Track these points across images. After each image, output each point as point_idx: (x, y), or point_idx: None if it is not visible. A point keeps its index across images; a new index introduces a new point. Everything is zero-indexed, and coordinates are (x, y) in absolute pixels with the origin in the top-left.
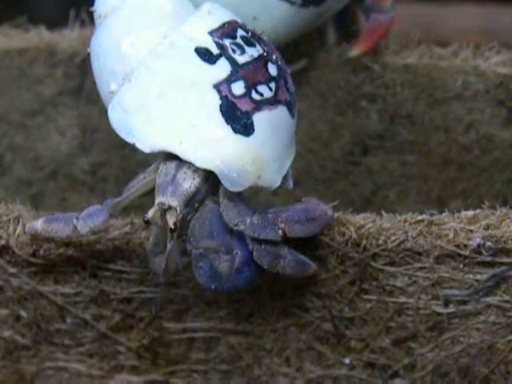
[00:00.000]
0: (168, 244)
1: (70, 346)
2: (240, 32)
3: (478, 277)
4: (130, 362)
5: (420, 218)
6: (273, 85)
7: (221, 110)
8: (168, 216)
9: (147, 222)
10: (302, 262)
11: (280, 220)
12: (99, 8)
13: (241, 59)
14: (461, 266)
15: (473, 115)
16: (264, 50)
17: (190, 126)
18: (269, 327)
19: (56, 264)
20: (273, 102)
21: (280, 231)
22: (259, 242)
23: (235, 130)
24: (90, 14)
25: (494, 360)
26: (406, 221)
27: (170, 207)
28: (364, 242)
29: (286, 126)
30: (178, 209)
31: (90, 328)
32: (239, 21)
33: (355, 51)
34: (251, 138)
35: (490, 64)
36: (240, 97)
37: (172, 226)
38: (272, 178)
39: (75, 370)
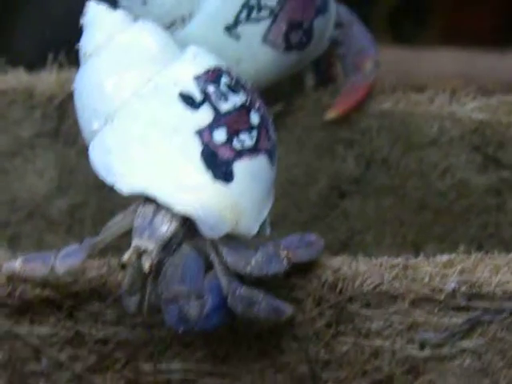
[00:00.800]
0: (147, 286)
1: None
2: (224, 79)
3: (453, 321)
4: None
5: (395, 261)
6: (254, 133)
7: (202, 157)
8: (144, 259)
9: (123, 266)
10: (276, 308)
11: (282, 248)
12: (85, 46)
13: (224, 107)
14: (436, 309)
15: (448, 160)
16: (247, 99)
17: (170, 171)
18: (245, 369)
19: (32, 305)
20: (253, 151)
21: (285, 260)
22: (234, 287)
23: (215, 177)
24: (68, 57)
25: None
26: (381, 264)
27: (146, 251)
28: (340, 284)
29: (265, 175)
30: (155, 252)
31: (66, 369)
32: (224, 67)
33: (332, 114)
34: (230, 185)
35: (466, 110)
36: (221, 144)
37: (147, 270)
38: (249, 225)
39: None
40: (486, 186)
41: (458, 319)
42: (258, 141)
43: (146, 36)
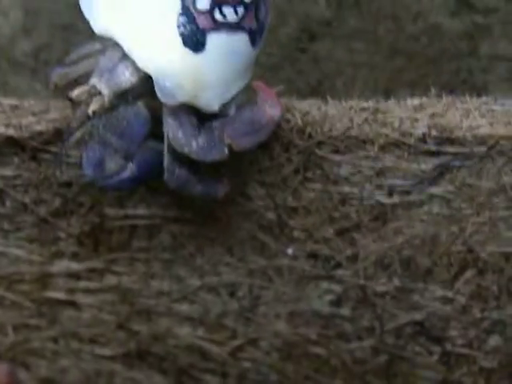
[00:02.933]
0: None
1: (10, 231)
2: None
3: (423, 166)
4: (70, 249)
5: (366, 105)
6: (241, 9)
7: (178, 19)
8: (95, 100)
9: (71, 100)
10: (210, 192)
11: (226, 135)
12: None
13: None
14: (405, 155)
15: (421, 4)
16: None
17: (143, 24)
18: (211, 215)
19: None
20: (234, 28)
21: (226, 149)
22: (174, 166)
23: (185, 43)
24: None
25: (437, 252)
26: (351, 108)
27: (100, 93)
28: (309, 129)
29: (241, 54)
30: (107, 98)
31: (30, 212)
32: None
33: None
34: (199, 55)
35: None
36: (202, 12)
37: (91, 112)
38: (210, 101)
39: (15, 255)
40: (458, 30)
41: (428, 165)
42: (242, 18)
43: None
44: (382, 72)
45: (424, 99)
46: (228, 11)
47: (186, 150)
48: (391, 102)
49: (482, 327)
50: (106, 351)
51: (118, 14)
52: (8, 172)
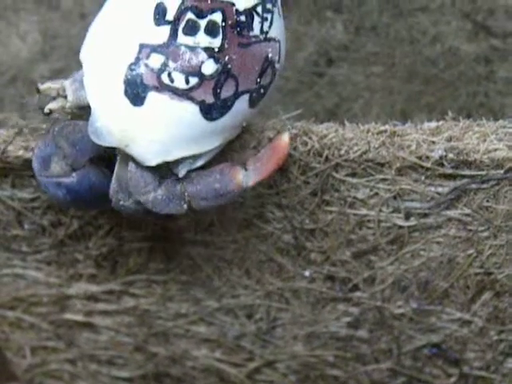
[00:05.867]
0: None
1: (28, 253)
2: (215, 16)
3: (440, 189)
4: (88, 271)
5: (383, 128)
6: (194, 80)
7: (127, 68)
8: (56, 100)
9: (37, 90)
10: (159, 217)
11: (187, 194)
12: None
13: (183, 39)
14: (422, 178)
15: (438, 28)
16: (220, 47)
17: (99, 58)
18: (229, 238)
19: (13, 168)
20: (180, 95)
21: (185, 205)
22: (120, 197)
23: (126, 93)
24: None
25: (454, 274)
26: (368, 131)
27: (66, 97)
28: (326, 152)
29: (187, 123)
30: (68, 104)
31: (48, 235)
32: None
33: None
34: (136, 109)
35: None
36: (151, 69)
37: (46, 110)
38: (145, 154)
39: (33, 277)
40: (475, 54)
41: (445, 188)
42: (193, 88)
43: None
44: (399, 95)
45: (441, 122)
46: (178, 77)
47: (142, 198)
48: (408, 126)
49: (499, 349)
50: (124, 373)
51: (87, 44)
52: (26, 194)
